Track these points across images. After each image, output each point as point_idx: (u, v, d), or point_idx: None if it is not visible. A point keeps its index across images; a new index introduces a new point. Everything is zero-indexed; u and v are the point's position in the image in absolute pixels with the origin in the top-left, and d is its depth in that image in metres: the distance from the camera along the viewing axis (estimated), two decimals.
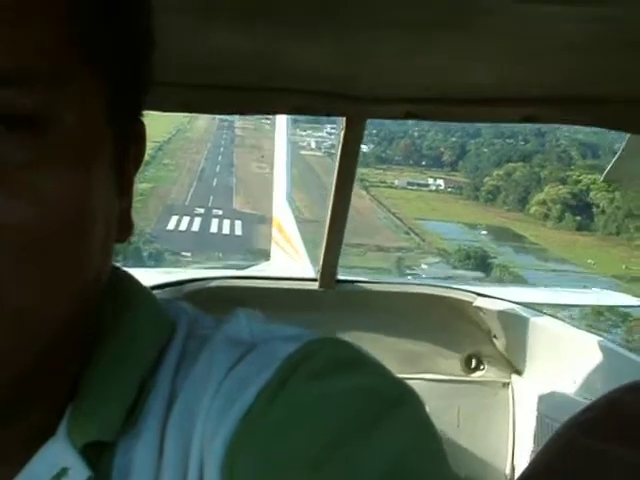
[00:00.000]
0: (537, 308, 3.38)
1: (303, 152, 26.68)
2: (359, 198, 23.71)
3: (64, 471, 0.57)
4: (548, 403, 2.96)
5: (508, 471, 3.21)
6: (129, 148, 0.60)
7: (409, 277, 17.63)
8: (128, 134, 0.60)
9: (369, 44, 1.71)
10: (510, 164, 24.74)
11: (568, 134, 25.44)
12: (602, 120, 2.26)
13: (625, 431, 0.88)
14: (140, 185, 22.33)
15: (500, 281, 17.48)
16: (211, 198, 22.79)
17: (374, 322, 3.12)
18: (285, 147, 9.89)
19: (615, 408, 0.93)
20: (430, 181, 25.95)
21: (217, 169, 25.33)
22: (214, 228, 20.94)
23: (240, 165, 25.48)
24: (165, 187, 22.94)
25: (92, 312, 0.60)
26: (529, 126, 23.23)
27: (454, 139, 27.74)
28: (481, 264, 19.10)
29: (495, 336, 3.18)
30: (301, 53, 1.80)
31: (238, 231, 20.84)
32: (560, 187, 22.78)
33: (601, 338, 2.97)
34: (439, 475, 0.55)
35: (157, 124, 24.77)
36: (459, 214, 23.55)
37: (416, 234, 21.93)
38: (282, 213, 9.38)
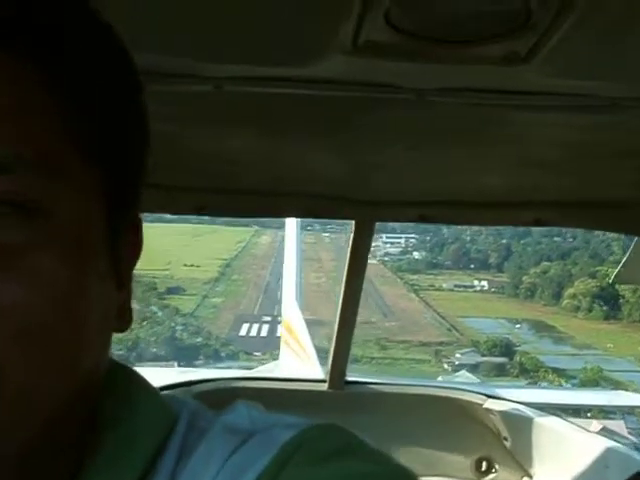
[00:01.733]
0: (548, 410, 3.32)
1: None
2: (409, 301, 26.21)
3: None
4: None
5: None
6: (126, 242, 0.61)
7: (445, 365, 20.05)
8: (124, 228, 0.60)
9: (377, 151, 1.78)
10: (546, 263, 27.01)
11: None
12: (608, 224, 2.28)
13: None
14: (213, 299, 25.35)
15: (521, 364, 19.94)
16: (276, 307, 25.64)
17: (383, 423, 3.06)
18: (295, 249, 9.89)
19: None
20: (475, 282, 27.60)
21: (280, 282, 28.00)
22: (280, 332, 23.77)
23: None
24: (235, 300, 25.77)
25: (90, 400, 0.59)
26: None
27: (504, 241, 28.98)
28: (506, 351, 21.35)
29: (506, 438, 3.15)
30: (310, 159, 1.86)
31: None
32: (589, 281, 24.90)
33: (611, 441, 2.95)
34: None
35: (223, 242, 27.58)
36: (499, 310, 25.62)
37: (457, 330, 23.88)
38: (292, 314, 9.20)
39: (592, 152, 1.69)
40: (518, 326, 24.60)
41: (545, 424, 3.08)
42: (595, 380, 18.71)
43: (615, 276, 3.18)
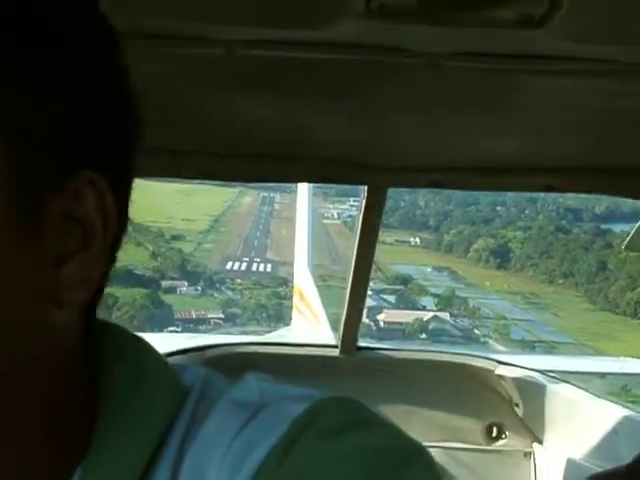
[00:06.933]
0: (559, 376, 3.39)
1: (325, 221, 32.46)
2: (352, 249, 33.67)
3: None
4: (571, 473, 2.92)
5: None
6: (62, 211, 0.55)
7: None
8: (57, 195, 0.54)
9: (390, 116, 1.78)
10: (461, 225, 34.07)
11: (562, 199, 27.54)
12: (619, 190, 2.28)
13: None
14: (206, 245, 32.44)
15: (411, 289, 28.00)
16: (252, 252, 33.52)
17: (394, 389, 3.16)
18: (307, 216, 9.61)
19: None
20: (411, 239, 32.57)
21: (258, 234, 33.11)
22: (254, 268, 31.68)
23: (274, 232, 32.03)
24: (222, 246, 31.93)
25: (54, 379, 0.57)
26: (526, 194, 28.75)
27: (451, 207, 33.68)
28: (404, 282, 28.59)
29: (516, 404, 3.17)
30: (322, 123, 1.86)
31: (269, 269, 31.64)
32: (490, 240, 31.23)
33: (621, 407, 2.99)
34: None
35: (212, 200, 33.05)
36: (422, 260, 31.31)
37: (381, 271, 29.86)
38: (304, 280, 9.03)
39: (607, 118, 1.65)
40: (429, 270, 31.13)
41: (556, 391, 3.10)
42: (449, 297, 26.66)
43: (627, 242, 2.95)
